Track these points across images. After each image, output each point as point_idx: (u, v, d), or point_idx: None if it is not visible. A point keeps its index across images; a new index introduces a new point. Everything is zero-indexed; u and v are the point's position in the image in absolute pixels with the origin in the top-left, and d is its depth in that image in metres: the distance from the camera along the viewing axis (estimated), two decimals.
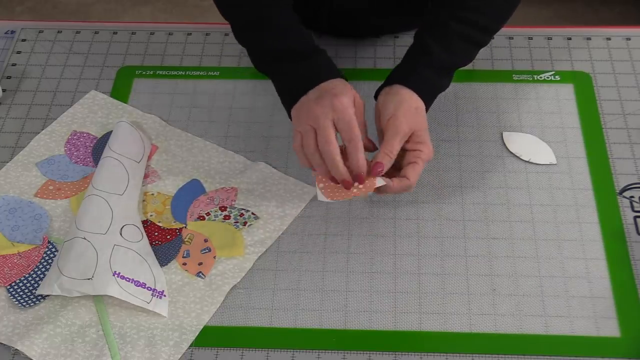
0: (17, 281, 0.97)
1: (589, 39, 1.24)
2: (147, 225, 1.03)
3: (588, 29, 1.26)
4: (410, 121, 0.96)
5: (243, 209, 1.04)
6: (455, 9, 1.03)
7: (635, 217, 1.02)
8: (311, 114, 0.93)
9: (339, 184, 0.94)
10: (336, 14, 1.16)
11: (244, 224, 1.02)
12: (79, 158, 1.11)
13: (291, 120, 0.99)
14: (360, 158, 0.92)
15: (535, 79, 1.18)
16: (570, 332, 0.92)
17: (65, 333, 0.92)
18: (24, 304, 0.95)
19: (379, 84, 1.19)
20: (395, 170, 0.96)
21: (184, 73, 1.22)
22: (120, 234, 0.98)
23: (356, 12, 1.18)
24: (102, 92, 1.19)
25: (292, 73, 0.99)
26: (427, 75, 1.00)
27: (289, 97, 0.99)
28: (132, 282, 0.94)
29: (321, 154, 0.93)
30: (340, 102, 0.92)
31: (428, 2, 1.20)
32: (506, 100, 1.15)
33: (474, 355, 0.90)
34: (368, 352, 0.91)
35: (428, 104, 1.01)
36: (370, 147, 0.98)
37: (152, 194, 1.06)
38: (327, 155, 0.92)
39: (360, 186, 0.93)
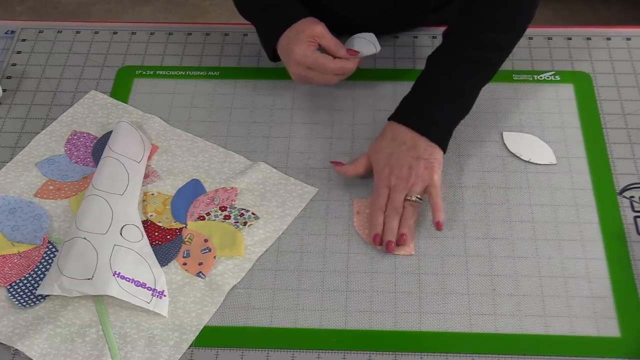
0: (17, 281, 0.97)
1: (589, 39, 1.24)
2: (147, 225, 1.03)
3: (588, 29, 1.26)
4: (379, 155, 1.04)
5: (243, 209, 1.04)
6: (468, 32, 1.05)
7: (635, 217, 1.02)
8: (291, 60, 1.09)
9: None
10: (337, 24, 1.17)
11: (244, 224, 1.02)
12: (79, 158, 1.11)
13: (272, 60, 1.15)
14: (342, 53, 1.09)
15: (535, 79, 1.18)
16: (570, 332, 0.92)
17: (65, 333, 0.92)
18: (24, 304, 0.95)
19: (379, 83, 1.19)
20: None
21: (184, 73, 1.22)
22: (121, 234, 0.98)
23: (357, 20, 1.19)
24: (102, 92, 1.19)
25: (269, 18, 1.13)
26: (435, 109, 1.04)
27: (270, 39, 1.12)
28: (132, 282, 0.94)
29: (317, 68, 1.08)
30: (299, 50, 1.07)
31: (427, 7, 1.21)
32: (506, 100, 1.15)
33: (474, 355, 0.90)
34: (368, 352, 0.91)
35: (439, 136, 1.04)
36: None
37: (152, 194, 1.06)
38: (319, 63, 1.07)
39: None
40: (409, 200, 1.01)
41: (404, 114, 1.05)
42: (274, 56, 1.13)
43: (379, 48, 1.13)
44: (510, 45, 1.08)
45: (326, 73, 1.08)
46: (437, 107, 1.03)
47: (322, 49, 1.09)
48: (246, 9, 1.18)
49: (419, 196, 1.01)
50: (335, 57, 1.09)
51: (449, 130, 1.05)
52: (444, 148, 1.04)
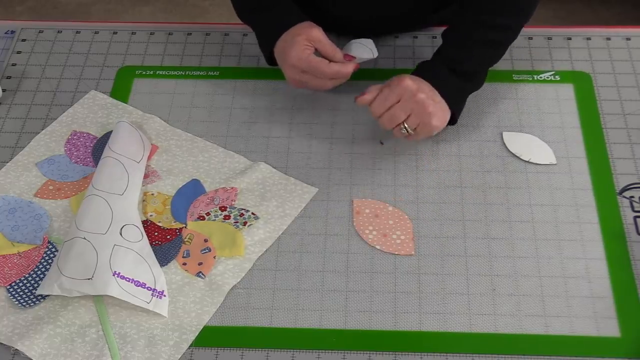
0: (17, 281, 0.97)
1: (589, 39, 1.24)
2: (147, 225, 1.03)
3: (588, 29, 1.26)
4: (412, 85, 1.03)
5: (243, 209, 1.04)
6: (477, 13, 1.06)
7: (635, 217, 1.02)
8: (287, 62, 1.09)
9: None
10: (337, 24, 1.17)
11: (244, 224, 1.02)
12: (79, 158, 1.11)
13: (269, 63, 1.15)
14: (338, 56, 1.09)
15: (535, 79, 1.18)
16: (570, 332, 0.92)
17: (65, 333, 0.92)
18: (24, 304, 0.95)
19: (379, 84, 1.18)
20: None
21: (184, 73, 1.22)
22: (120, 234, 0.98)
23: (357, 20, 1.19)
24: (102, 92, 1.19)
25: (266, 21, 1.13)
26: (448, 78, 1.05)
27: (267, 42, 1.12)
28: (132, 282, 0.94)
29: (311, 72, 1.08)
30: (295, 53, 1.07)
31: (430, 9, 1.21)
32: (506, 100, 1.15)
33: (474, 355, 0.90)
34: (368, 352, 0.91)
35: (453, 104, 1.06)
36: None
37: (152, 194, 1.06)
38: (314, 67, 1.07)
39: None
40: (402, 127, 1.03)
41: (429, 74, 1.06)
42: (272, 60, 1.13)
43: (376, 53, 1.13)
44: (518, 27, 1.10)
45: (321, 77, 1.08)
46: (455, 80, 1.07)
47: (319, 54, 1.09)
48: (244, 11, 1.18)
49: (410, 128, 1.03)
50: (331, 62, 1.09)
51: (463, 99, 1.09)
52: (455, 118, 1.08)
